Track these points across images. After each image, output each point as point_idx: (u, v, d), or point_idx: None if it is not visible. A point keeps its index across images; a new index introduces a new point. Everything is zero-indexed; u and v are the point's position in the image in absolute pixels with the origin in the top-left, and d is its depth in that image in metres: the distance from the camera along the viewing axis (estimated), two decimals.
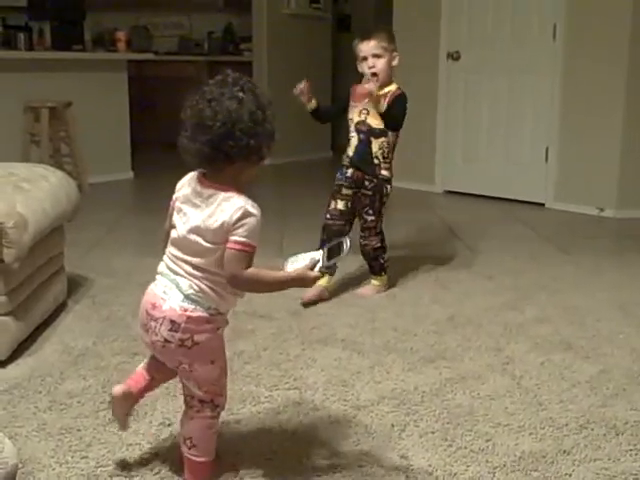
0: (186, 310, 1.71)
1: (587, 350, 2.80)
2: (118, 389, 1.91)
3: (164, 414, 2.24)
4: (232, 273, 1.69)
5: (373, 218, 3.35)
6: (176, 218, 1.77)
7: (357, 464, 1.98)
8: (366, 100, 3.22)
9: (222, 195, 1.71)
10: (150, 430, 2.15)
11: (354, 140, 3.36)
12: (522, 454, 2.04)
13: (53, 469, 1.95)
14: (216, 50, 8.54)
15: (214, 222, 1.69)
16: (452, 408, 2.31)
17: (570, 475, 1.94)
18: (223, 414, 2.24)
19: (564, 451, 2.06)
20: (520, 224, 5.08)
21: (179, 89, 10.02)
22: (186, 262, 1.73)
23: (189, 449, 1.83)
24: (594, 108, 5.32)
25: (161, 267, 1.81)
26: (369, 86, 3.13)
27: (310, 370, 2.58)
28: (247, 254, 1.71)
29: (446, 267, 3.93)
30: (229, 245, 1.69)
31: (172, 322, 1.72)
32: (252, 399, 2.35)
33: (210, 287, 1.73)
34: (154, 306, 1.75)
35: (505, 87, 5.75)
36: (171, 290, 1.74)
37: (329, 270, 3.21)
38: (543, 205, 5.65)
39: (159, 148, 7.92)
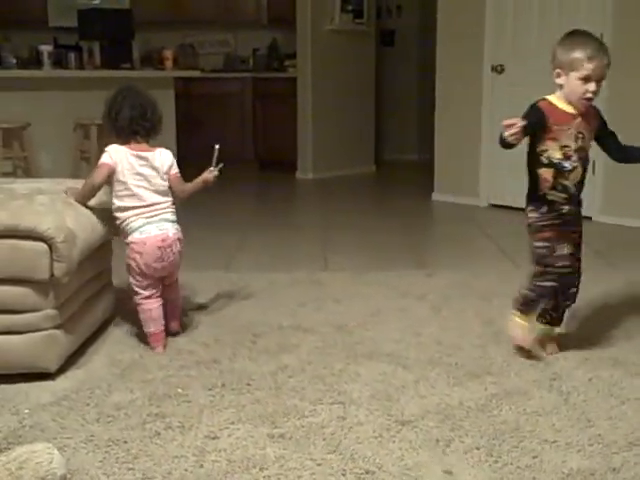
0: (178, 229, 2.92)
1: (637, 366, 2.74)
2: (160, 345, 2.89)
3: (209, 427, 2.26)
4: (180, 189, 3.03)
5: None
6: (137, 181, 2.86)
7: (401, 479, 1.97)
8: (577, 121, 2.73)
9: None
10: (195, 442, 2.17)
11: (578, 170, 2.81)
12: (570, 471, 2.01)
13: None
14: (261, 67, 8.62)
15: (161, 166, 2.93)
16: (498, 424, 2.28)
17: None
18: (268, 428, 2.26)
19: (613, 469, 2.02)
20: None
21: (225, 106, 10.24)
22: (162, 202, 2.89)
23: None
24: (639, 117, 5.24)
25: (141, 221, 2.81)
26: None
27: (354, 384, 2.58)
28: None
29: (491, 281, 3.89)
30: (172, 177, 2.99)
31: (179, 240, 2.89)
32: (296, 413, 2.35)
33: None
34: (163, 239, 2.81)
35: None
36: (166, 223, 2.86)
37: None
38: (590, 219, 5.56)
39: (205, 164, 8.03)
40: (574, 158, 2.74)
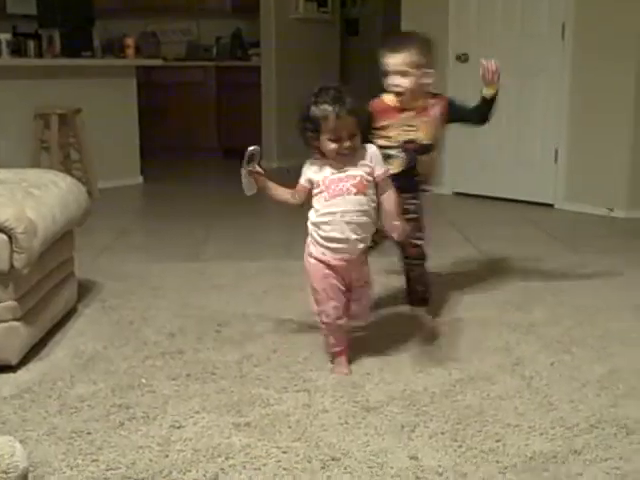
0: None
1: (597, 350, 2.78)
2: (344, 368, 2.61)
3: (174, 417, 2.25)
4: None
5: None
6: None
7: (367, 465, 1.98)
8: (404, 115, 2.89)
9: None
10: (160, 432, 2.16)
11: (399, 161, 2.87)
12: (533, 454, 2.03)
13: (64, 472, 1.95)
14: (224, 55, 8.56)
15: None
16: (462, 409, 2.30)
17: (581, 475, 1.93)
18: (234, 417, 2.25)
19: (575, 451, 2.05)
20: (529, 225, 5.07)
21: (188, 94, 10.14)
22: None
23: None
24: (604, 107, 5.30)
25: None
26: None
27: (320, 372, 2.58)
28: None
29: (454, 268, 3.92)
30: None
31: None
32: (261, 401, 2.35)
33: None
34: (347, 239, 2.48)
35: (514, 88, 5.73)
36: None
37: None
38: (552, 206, 5.63)
39: (168, 153, 7.97)
40: (399, 149, 2.87)
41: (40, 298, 2.79)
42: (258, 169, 2.60)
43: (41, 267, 2.75)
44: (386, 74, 2.90)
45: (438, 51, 6.00)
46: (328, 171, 2.46)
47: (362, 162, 2.46)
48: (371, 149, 2.50)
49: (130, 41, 6.79)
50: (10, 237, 2.50)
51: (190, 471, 1.96)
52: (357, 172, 2.44)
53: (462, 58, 6.01)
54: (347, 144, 2.39)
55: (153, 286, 3.06)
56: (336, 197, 2.44)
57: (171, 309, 3.24)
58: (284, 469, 1.96)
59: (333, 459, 2.01)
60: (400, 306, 3.26)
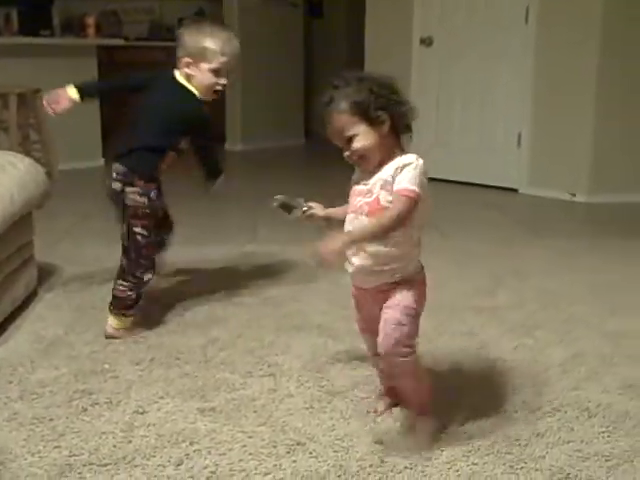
0: None
1: (560, 334, 2.81)
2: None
3: (137, 402, 2.22)
4: None
5: None
6: None
7: (332, 449, 1.98)
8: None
9: None
10: (124, 418, 2.13)
11: None
12: (496, 437, 2.05)
13: (25, 459, 1.92)
14: None
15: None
16: None
17: (544, 457, 1.95)
18: (198, 402, 2.22)
19: (538, 434, 2.07)
20: (493, 209, 5.11)
21: None
22: None
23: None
24: (566, 93, 5.35)
25: None
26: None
27: (285, 356, 2.57)
28: None
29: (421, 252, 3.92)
30: None
31: None
32: (226, 386, 2.34)
33: None
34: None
35: (478, 72, 5.76)
36: None
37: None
38: (516, 191, 5.68)
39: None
40: None
41: None
42: (309, 210, 2.19)
43: None
44: (217, 72, 2.68)
45: (402, 34, 5.96)
46: (360, 179, 1.98)
47: (386, 174, 1.87)
48: (404, 159, 1.86)
49: (91, 20, 6.68)
50: None
51: (154, 456, 1.94)
52: (377, 188, 1.88)
53: (426, 41, 6.01)
54: (346, 152, 1.90)
55: (114, 271, 3.00)
56: (352, 213, 1.97)
57: None
58: (250, 454, 1.95)
59: (299, 444, 2.01)
60: None
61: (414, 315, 1.96)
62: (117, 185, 2.69)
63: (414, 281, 2.00)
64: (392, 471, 1.88)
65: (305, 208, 2.19)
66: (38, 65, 5.95)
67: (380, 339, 1.92)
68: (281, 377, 2.41)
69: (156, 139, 2.66)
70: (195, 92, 2.68)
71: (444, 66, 5.94)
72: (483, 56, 5.70)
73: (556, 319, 2.97)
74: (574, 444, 2.02)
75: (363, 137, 1.85)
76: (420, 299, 2.00)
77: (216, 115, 7.66)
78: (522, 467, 1.90)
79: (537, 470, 1.89)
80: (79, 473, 1.86)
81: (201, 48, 2.63)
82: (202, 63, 2.64)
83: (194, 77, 2.67)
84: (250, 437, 2.04)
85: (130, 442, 2.01)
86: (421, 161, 1.88)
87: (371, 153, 1.87)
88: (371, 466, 1.90)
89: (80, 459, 1.92)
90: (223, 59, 2.64)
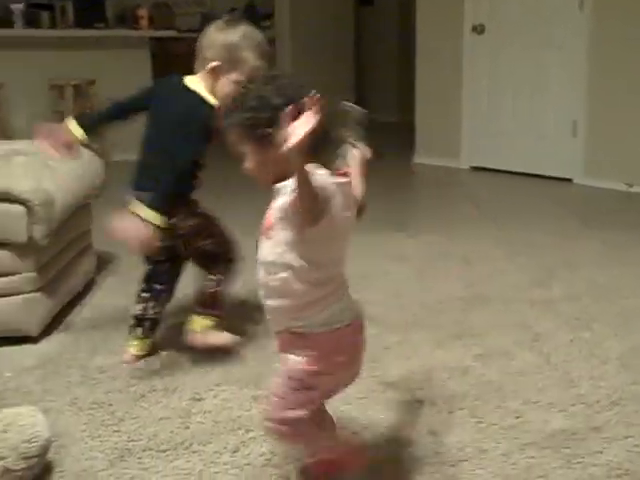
0: None
1: (616, 327, 2.77)
2: None
3: (194, 389, 2.26)
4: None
5: None
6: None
7: (386, 440, 1.98)
8: None
9: None
10: (181, 404, 2.17)
11: None
12: (553, 431, 2.03)
13: (86, 443, 1.97)
14: None
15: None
16: (481, 385, 2.30)
17: (601, 452, 1.93)
18: (253, 390, 2.23)
19: (595, 428, 2.04)
20: (547, 200, 5.03)
21: None
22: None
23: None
24: (623, 80, 5.23)
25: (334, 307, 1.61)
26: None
27: None
28: None
29: (472, 244, 3.90)
30: None
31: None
32: None
33: None
34: (361, 327, 1.69)
35: (531, 60, 5.66)
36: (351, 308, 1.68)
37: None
38: (571, 181, 5.58)
39: None
40: None
41: (59, 270, 2.80)
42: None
43: (59, 239, 2.75)
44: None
45: (453, 22, 5.86)
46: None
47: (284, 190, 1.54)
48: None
49: (143, 12, 6.74)
50: (28, 209, 2.50)
51: (211, 443, 1.97)
52: (276, 203, 1.57)
53: (478, 29, 5.93)
54: (243, 167, 1.59)
55: None
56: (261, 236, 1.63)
57: (190, 281, 3.23)
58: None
59: (353, 433, 2.02)
60: (416, 282, 3.25)
61: (298, 388, 1.57)
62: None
63: (313, 339, 1.57)
64: (447, 463, 1.88)
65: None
66: (93, 57, 6.04)
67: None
68: None
69: (175, 167, 2.29)
70: (208, 97, 2.35)
71: (495, 54, 5.85)
72: (535, 43, 5.60)
73: (610, 312, 2.92)
74: (633, 439, 1.99)
75: (250, 157, 1.56)
76: (317, 366, 1.56)
77: None
78: (579, 462, 1.88)
79: (594, 465, 1.87)
80: (138, 458, 1.91)
81: (239, 57, 2.31)
82: (234, 72, 2.31)
83: (217, 83, 2.34)
84: None
85: (187, 428, 2.04)
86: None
87: (261, 173, 1.57)
88: (425, 457, 1.90)
89: (139, 444, 1.97)
90: (256, 71, 2.28)
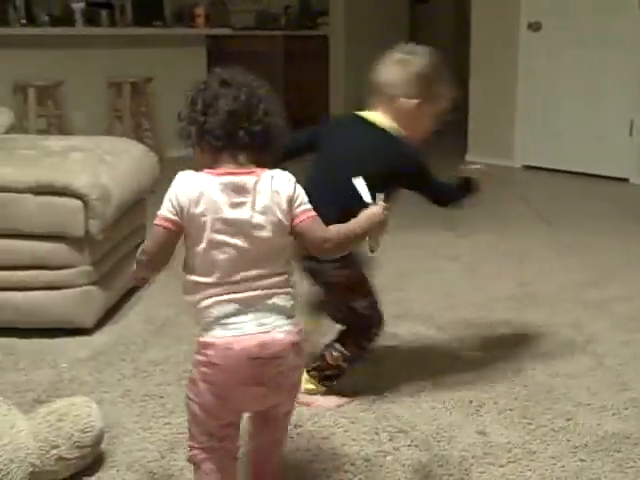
0: (297, 325, 1.51)
1: None
2: None
3: None
4: (324, 237, 1.50)
5: None
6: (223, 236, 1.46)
7: (435, 439, 1.98)
8: None
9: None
10: None
11: None
12: (605, 434, 2.00)
13: (137, 434, 2.01)
14: (293, 24, 8.52)
15: (276, 203, 1.47)
16: (532, 386, 2.28)
17: None
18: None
19: None
20: (603, 200, 4.94)
21: (256, 64, 10.04)
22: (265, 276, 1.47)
23: None
24: None
25: (228, 308, 1.46)
26: None
27: (389, 345, 2.56)
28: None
29: (525, 243, 3.85)
30: (303, 217, 1.49)
31: (295, 344, 1.48)
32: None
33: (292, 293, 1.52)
34: (262, 344, 1.43)
35: (587, 58, 5.57)
36: (269, 317, 1.46)
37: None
38: (627, 180, 5.47)
39: None
40: None
41: (114, 264, 2.85)
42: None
43: (115, 234, 2.81)
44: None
45: (509, 19, 5.79)
46: None
47: None
48: None
49: (200, 10, 6.83)
50: (85, 203, 2.56)
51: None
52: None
53: (534, 27, 5.85)
54: None
55: None
56: None
57: None
58: (352, 439, 1.97)
59: (400, 431, 2.02)
60: (467, 281, 3.23)
61: (190, 412, 1.50)
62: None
63: (195, 358, 1.50)
64: (495, 464, 1.86)
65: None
66: (150, 55, 6.14)
67: None
68: (384, 365, 2.42)
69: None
70: (397, 133, 2.12)
71: (552, 52, 5.77)
72: (593, 42, 5.50)
73: None
74: None
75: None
76: (196, 389, 1.48)
77: (319, 103, 7.72)
78: (631, 466, 1.85)
79: None
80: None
81: (437, 89, 2.13)
82: (430, 106, 2.13)
83: (414, 120, 2.13)
84: (352, 422, 2.06)
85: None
86: (173, 189, 1.51)
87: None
88: (473, 457, 1.89)
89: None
90: (450, 101, 2.15)
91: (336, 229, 1.53)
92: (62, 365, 2.42)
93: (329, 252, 1.55)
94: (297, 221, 1.49)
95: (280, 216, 1.47)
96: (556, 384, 2.29)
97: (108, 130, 5.79)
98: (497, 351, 2.53)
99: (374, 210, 1.56)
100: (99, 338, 2.64)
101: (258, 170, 1.48)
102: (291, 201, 1.48)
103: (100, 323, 2.72)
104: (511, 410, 2.13)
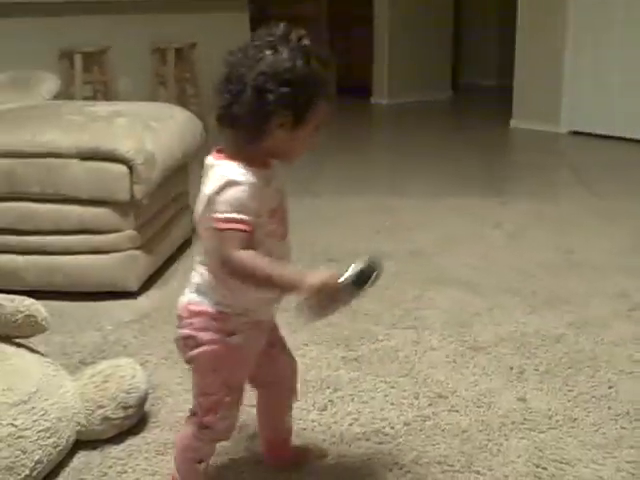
0: (190, 303, 1.49)
1: None
2: None
3: None
4: (221, 256, 1.36)
5: None
6: None
7: (475, 404, 1.98)
8: None
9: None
10: None
11: None
12: None
13: (181, 395, 2.04)
14: None
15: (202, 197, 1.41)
16: (574, 353, 2.26)
17: None
18: (342, 351, 2.25)
19: None
20: None
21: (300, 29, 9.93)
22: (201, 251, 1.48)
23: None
24: None
25: None
26: None
27: (429, 310, 2.58)
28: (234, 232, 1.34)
29: (570, 211, 3.80)
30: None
31: (179, 317, 1.51)
32: (371, 337, 2.38)
33: (218, 277, 1.44)
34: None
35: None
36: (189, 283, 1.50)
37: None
38: None
39: None
40: None
41: (158, 228, 2.89)
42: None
43: (159, 198, 2.84)
44: None
45: None
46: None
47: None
48: None
49: None
50: (131, 168, 2.59)
51: (299, 400, 2.00)
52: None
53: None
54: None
55: None
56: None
57: None
58: (391, 404, 1.99)
59: (440, 396, 2.02)
60: (508, 247, 3.20)
61: (204, 408, 1.52)
62: None
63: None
64: (535, 430, 1.86)
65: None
66: (194, 20, 6.14)
67: None
68: (424, 330, 2.42)
69: None
70: None
71: (603, 10, 5.60)
72: None
73: None
74: None
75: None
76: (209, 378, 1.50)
77: (363, 69, 7.65)
78: None
79: None
80: None
81: None
82: None
83: None
84: (392, 387, 2.07)
85: None
86: None
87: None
88: (513, 423, 1.89)
89: None
90: None
91: (251, 258, 1.36)
92: (107, 328, 2.48)
93: (226, 273, 1.41)
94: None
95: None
96: (599, 352, 2.27)
97: (152, 96, 5.82)
98: (539, 317, 2.51)
99: (307, 282, 1.36)
100: (143, 301, 2.69)
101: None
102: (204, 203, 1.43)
103: (144, 287, 2.77)
104: (553, 377, 2.12)
